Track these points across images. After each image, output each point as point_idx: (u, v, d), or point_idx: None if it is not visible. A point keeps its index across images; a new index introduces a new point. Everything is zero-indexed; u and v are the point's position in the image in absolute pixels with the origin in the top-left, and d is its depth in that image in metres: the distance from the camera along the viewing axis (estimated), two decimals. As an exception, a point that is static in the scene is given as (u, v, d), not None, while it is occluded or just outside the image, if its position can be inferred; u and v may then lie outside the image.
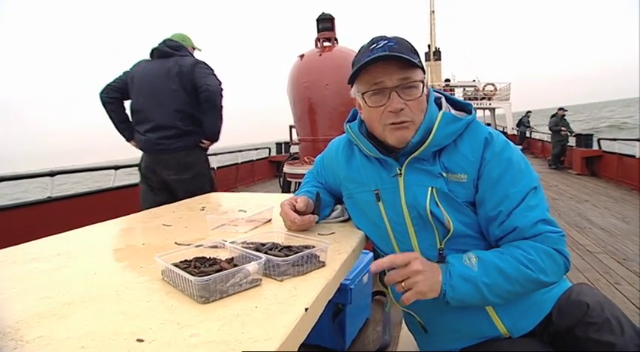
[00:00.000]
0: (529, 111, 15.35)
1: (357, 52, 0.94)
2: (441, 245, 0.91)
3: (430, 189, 0.89)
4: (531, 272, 0.80)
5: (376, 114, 0.90)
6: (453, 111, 0.94)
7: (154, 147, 2.25)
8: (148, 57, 2.40)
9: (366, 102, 0.91)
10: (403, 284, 0.79)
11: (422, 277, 0.78)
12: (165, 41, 2.36)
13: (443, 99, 0.97)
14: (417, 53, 0.90)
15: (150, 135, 2.24)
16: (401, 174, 0.93)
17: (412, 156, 0.91)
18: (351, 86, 0.96)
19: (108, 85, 2.36)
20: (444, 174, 0.89)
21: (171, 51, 2.32)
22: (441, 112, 0.90)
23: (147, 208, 1.59)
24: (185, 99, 2.23)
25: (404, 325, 1.16)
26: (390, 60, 0.85)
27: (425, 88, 0.91)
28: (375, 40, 0.90)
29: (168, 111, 2.22)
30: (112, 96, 2.35)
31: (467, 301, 0.80)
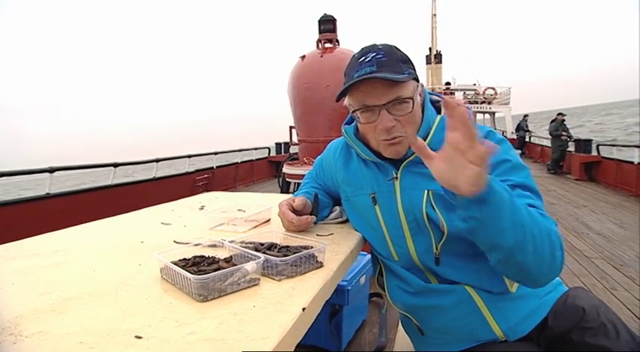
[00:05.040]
0: (526, 115, 14.96)
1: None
2: (437, 249, 0.91)
3: (426, 191, 0.90)
4: (551, 226, 0.74)
5: (369, 129, 0.91)
6: None
7: None
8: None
9: (359, 118, 0.91)
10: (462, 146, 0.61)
11: (485, 163, 0.62)
12: None
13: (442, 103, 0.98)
14: (408, 62, 0.89)
15: None
16: (397, 177, 0.94)
17: (408, 159, 0.92)
18: (344, 96, 0.93)
19: None
20: None
21: None
22: (439, 117, 0.91)
23: None
24: None
25: (400, 327, 1.16)
26: (378, 78, 0.83)
27: (419, 96, 0.90)
28: (364, 52, 0.88)
29: None
30: None
31: (501, 210, 0.67)
